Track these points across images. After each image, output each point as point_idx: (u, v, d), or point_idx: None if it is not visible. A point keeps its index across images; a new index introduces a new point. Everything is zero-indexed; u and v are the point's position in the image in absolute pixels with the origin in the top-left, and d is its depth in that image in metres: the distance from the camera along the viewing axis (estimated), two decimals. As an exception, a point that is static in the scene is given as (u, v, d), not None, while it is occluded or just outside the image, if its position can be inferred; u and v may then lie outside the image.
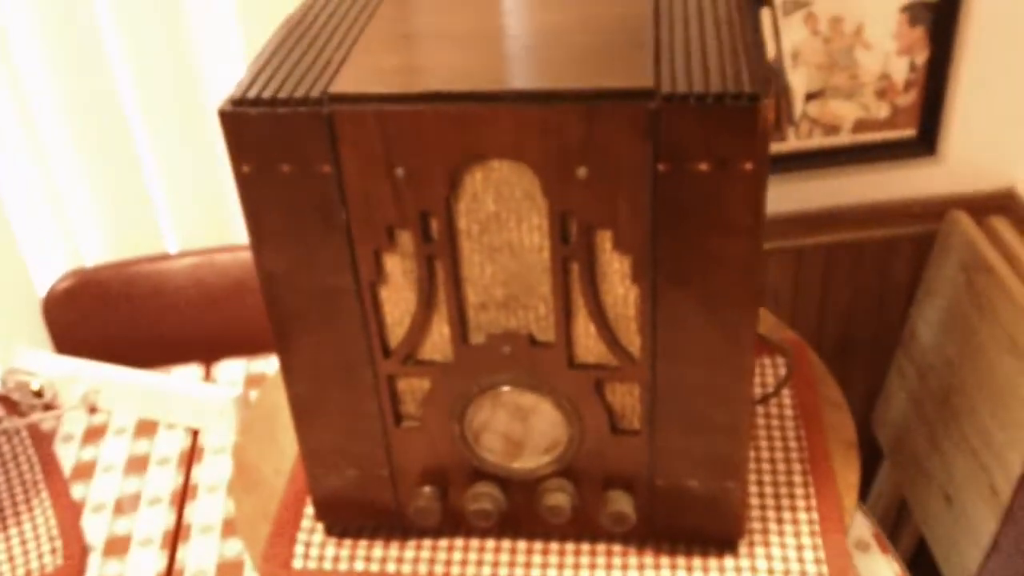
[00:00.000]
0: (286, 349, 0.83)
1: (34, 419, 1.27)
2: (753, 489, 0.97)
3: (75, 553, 1.08)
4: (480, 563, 0.92)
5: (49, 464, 1.20)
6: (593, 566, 0.91)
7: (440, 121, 0.70)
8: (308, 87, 0.72)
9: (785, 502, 0.96)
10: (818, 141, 1.36)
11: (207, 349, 1.39)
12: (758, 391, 1.09)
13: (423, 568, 0.92)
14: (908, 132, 1.37)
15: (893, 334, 1.53)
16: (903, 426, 1.50)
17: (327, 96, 0.71)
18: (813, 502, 0.96)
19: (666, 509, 0.88)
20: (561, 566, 0.91)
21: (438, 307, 0.80)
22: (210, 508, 1.15)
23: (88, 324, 1.43)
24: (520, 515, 0.90)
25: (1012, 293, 1.26)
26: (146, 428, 1.26)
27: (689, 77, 0.69)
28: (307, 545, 0.95)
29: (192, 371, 1.35)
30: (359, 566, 0.93)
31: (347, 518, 0.94)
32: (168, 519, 1.13)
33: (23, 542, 1.10)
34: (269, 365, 1.35)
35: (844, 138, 1.36)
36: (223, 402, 1.22)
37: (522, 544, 0.94)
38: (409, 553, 0.93)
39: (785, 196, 1.40)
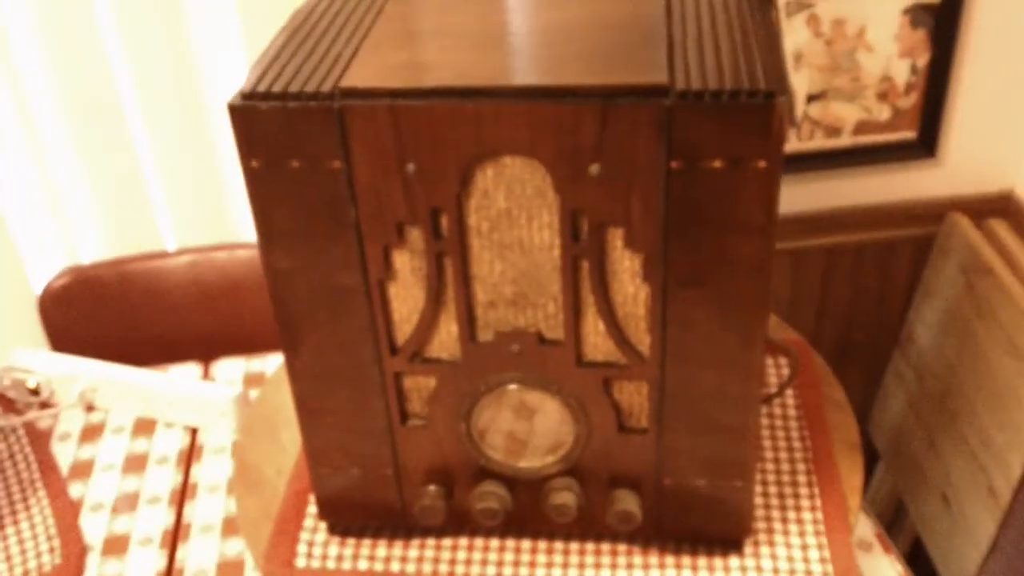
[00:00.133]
0: (292, 347, 0.83)
1: (31, 417, 1.26)
2: (757, 489, 0.97)
3: (74, 552, 1.07)
4: (485, 562, 0.92)
5: (46, 463, 1.19)
6: (598, 565, 0.91)
7: (453, 117, 0.70)
8: (319, 82, 0.72)
9: (790, 502, 0.96)
10: (819, 143, 1.36)
11: (205, 348, 1.38)
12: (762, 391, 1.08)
13: (427, 567, 0.92)
14: (909, 134, 1.37)
15: (891, 336, 1.53)
16: (900, 428, 1.50)
17: (338, 91, 0.71)
18: (817, 502, 0.96)
19: (673, 508, 0.88)
20: (566, 565, 0.91)
21: (446, 305, 0.80)
22: (210, 507, 1.14)
23: (85, 322, 1.42)
24: (526, 514, 0.90)
25: (1012, 296, 1.27)
26: (144, 427, 1.25)
27: (703, 74, 0.69)
28: (310, 544, 0.94)
29: (190, 370, 1.35)
30: (363, 565, 0.92)
31: (351, 517, 0.94)
32: (167, 518, 1.12)
33: (20, 541, 1.09)
34: (268, 364, 1.34)
35: (845, 140, 1.36)
36: (223, 401, 1.21)
37: (526, 543, 0.93)
38: (413, 552, 0.93)
39: (786, 198, 1.39)
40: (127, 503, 1.14)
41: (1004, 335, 1.27)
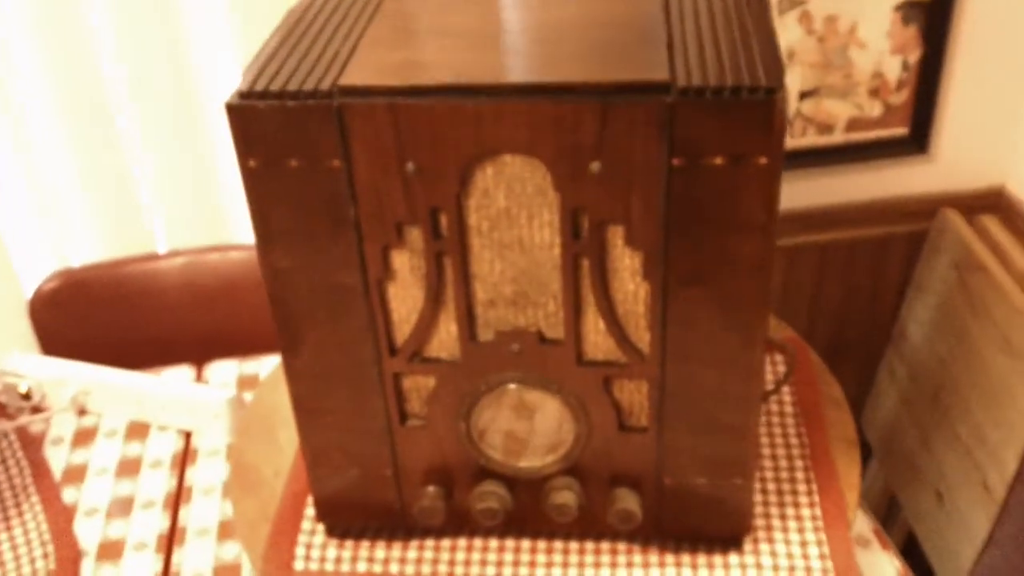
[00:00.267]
0: (291, 347, 0.82)
1: (23, 422, 1.25)
2: (756, 486, 0.97)
3: (68, 557, 1.07)
4: (484, 563, 0.92)
5: (39, 468, 1.18)
6: (598, 565, 0.91)
7: (453, 115, 0.69)
8: (317, 80, 0.71)
9: (788, 499, 0.96)
10: (812, 140, 1.36)
11: (198, 350, 1.38)
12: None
13: (426, 568, 0.91)
14: (900, 131, 1.37)
15: (884, 333, 1.54)
16: (893, 424, 1.51)
17: (337, 89, 0.70)
18: (816, 498, 0.96)
19: (673, 507, 0.87)
20: (566, 565, 0.91)
21: (446, 304, 0.79)
22: (205, 511, 1.13)
23: (76, 326, 1.41)
24: (526, 514, 0.90)
25: (1006, 292, 1.27)
26: (137, 430, 1.24)
27: (704, 71, 0.69)
28: (308, 546, 0.94)
29: (183, 372, 1.34)
30: (361, 567, 0.92)
31: (349, 518, 0.93)
32: (162, 522, 1.12)
33: (14, 547, 1.08)
34: (261, 366, 1.34)
35: (837, 137, 1.36)
36: (217, 403, 1.20)
37: (526, 543, 0.93)
38: (412, 553, 0.93)
39: (778, 195, 1.40)
40: (121, 508, 1.14)
41: (998, 331, 1.28)
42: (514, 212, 0.74)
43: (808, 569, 0.89)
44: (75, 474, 1.18)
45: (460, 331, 0.80)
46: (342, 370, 0.83)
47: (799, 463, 0.99)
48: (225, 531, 1.11)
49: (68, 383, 1.25)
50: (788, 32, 1.27)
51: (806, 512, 0.94)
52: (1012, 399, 1.24)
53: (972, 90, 1.34)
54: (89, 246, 1.44)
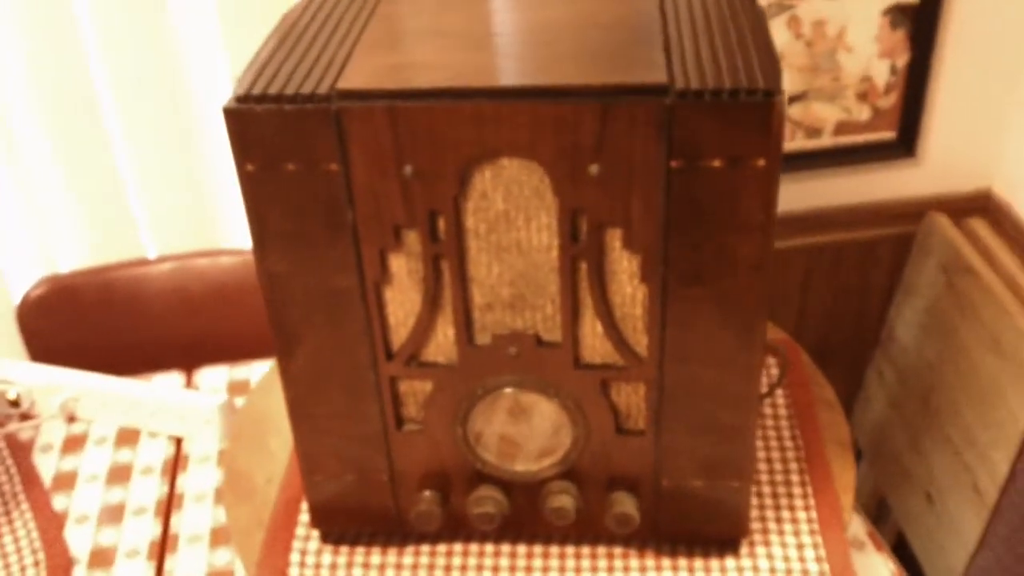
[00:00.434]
0: (286, 351, 0.82)
1: (11, 429, 1.24)
2: (752, 489, 0.97)
3: (59, 565, 1.06)
4: (480, 568, 0.91)
5: (29, 475, 1.17)
6: (594, 569, 0.91)
7: (451, 118, 0.69)
8: (315, 84, 0.71)
9: (783, 501, 0.96)
10: (800, 143, 1.37)
11: (187, 356, 1.37)
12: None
13: (422, 574, 0.91)
14: (888, 134, 1.38)
15: (872, 336, 1.54)
16: (882, 427, 1.51)
17: (335, 92, 0.70)
18: (811, 501, 0.96)
19: (671, 510, 0.87)
20: (562, 569, 0.91)
21: (443, 308, 0.79)
22: (197, 517, 1.12)
23: (64, 332, 1.40)
24: (522, 518, 0.89)
25: (994, 293, 1.28)
26: (127, 437, 1.23)
27: (702, 73, 0.69)
28: (303, 553, 0.93)
29: (172, 379, 1.33)
30: (357, 573, 0.92)
31: (344, 524, 0.93)
32: (154, 529, 1.11)
33: (4, 555, 1.07)
34: (252, 372, 1.33)
35: (826, 140, 1.37)
36: (209, 409, 1.20)
37: (522, 548, 0.93)
38: (407, 559, 0.92)
39: (768, 198, 1.40)
40: (112, 515, 1.13)
41: (987, 333, 1.29)
42: (512, 215, 0.74)
43: (805, 572, 0.89)
44: (65, 481, 1.17)
45: (457, 334, 0.80)
46: (338, 374, 0.83)
47: (793, 465, 1.00)
48: (217, 537, 1.10)
49: (57, 390, 1.24)
50: (777, 36, 1.27)
51: (801, 515, 0.95)
52: (1002, 400, 1.25)
53: (959, 94, 1.35)
54: (77, 252, 1.42)
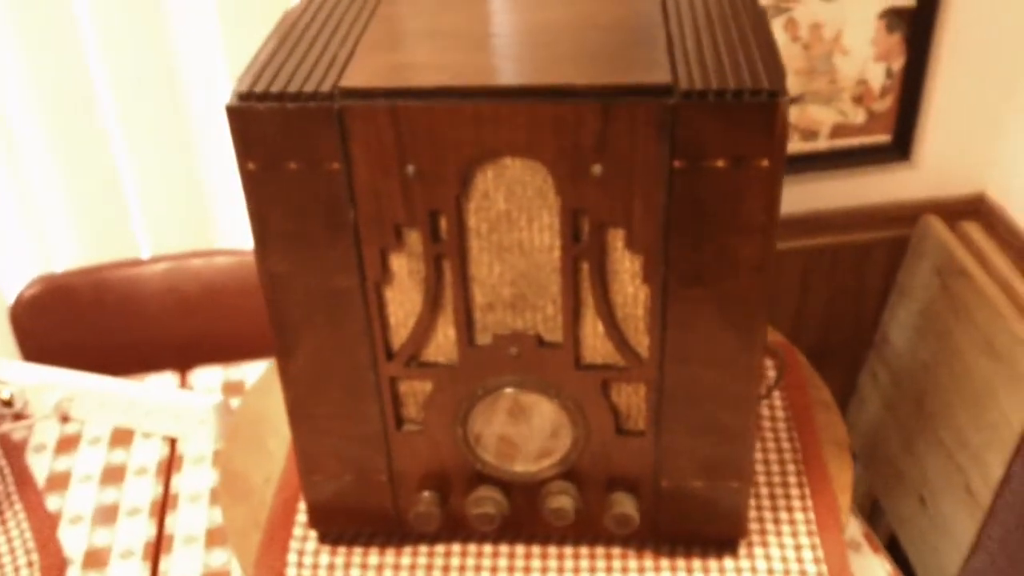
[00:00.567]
0: (286, 351, 0.82)
1: (4, 429, 1.23)
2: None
3: (53, 565, 1.05)
4: (479, 568, 0.91)
5: (22, 475, 1.17)
6: (593, 569, 0.90)
7: (453, 117, 0.69)
8: (317, 82, 0.71)
9: (781, 502, 0.96)
10: (797, 146, 1.37)
11: (181, 357, 1.36)
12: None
13: (421, 574, 0.91)
14: (883, 138, 1.38)
15: (867, 339, 1.55)
16: (876, 429, 1.52)
17: (338, 91, 0.70)
18: (809, 502, 0.96)
19: (670, 510, 0.87)
20: (561, 570, 0.91)
21: (444, 308, 0.79)
22: (193, 518, 1.12)
23: (57, 332, 1.40)
24: (521, 519, 0.89)
25: (988, 296, 1.28)
26: (121, 437, 1.23)
27: (705, 73, 0.69)
28: (300, 553, 0.93)
29: (166, 379, 1.32)
30: (355, 573, 0.91)
31: (343, 525, 0.93)
32: (149, 530, 1.10)
33: (-3, 556, 1.07)
34: (246, 372, 1.32)
35: (822, 143, 1.37)
36: (203, 410, 1.19)
37: (520, 548, 0.93)
38: (406, 560, 0.92)
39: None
40: (106, 515, 1.12)
41: (980, 335, 1.29)
42: (514, 215, 0.74)
43: (803, 572, 0.90)
44: (59, 481, 1.17)
45: (458, 335, 0.80)
46: (338, 375, 0.82)
47: (791, 467, 1.00)
48: (213, 538, 1.10)
49: (51, 389, 1.24)
50: (774, 39, 1.27)
51: (799, 515, 0.95)
52: (994, 402, 1.25)
53: (954, 98, 1.35)
54: (71, 251, 1.42)
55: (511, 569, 0.91)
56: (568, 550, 0.92)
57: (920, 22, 1.29)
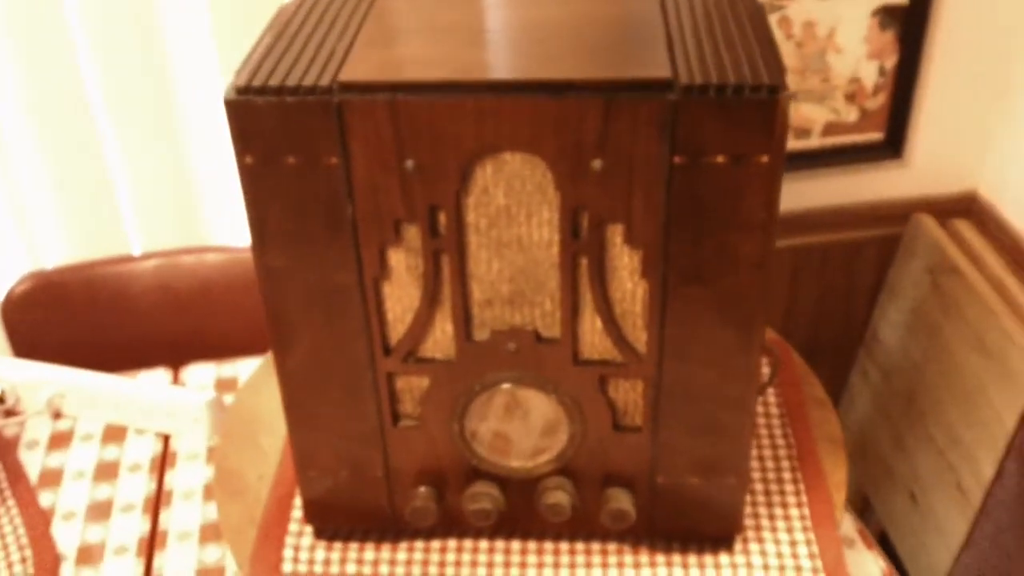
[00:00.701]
0: (283, 347, 0.82)
1: (-4, 425, 1.23)
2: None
3: (47, 561, 1.05)
4: (474, 564, 0.91)
5: (14, 472, 1.16)
6: (588, 565, 0.91)
7: (453, 112, 0.69)
8: (316, 76, 0.71)
9: (776, 499, 0.96)
10: (789, 144, 1.36)
11: (173, 353, 1.36)
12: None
13: (416, 570, 0.91)
14: (876, 136, 1.39)
15: (857, 336, 1.55)
16: (866, 426, 1.52)
17: (337, 84, 0.70)
18: (803, 498, 0.96)
19: (666, 506, 0.88)
20: (556, 565, 0.91)
21: (442, 303, 0.79)
22: (186, 514, 1.12)
23: (48, 328, 1.39)
24: (518, 514, 0.89)
25: (980, 293, 1.29)
26: (114, 434, 1.22)
27: (705, 69, 0.69)
28: (296, 548, 0.93)
29: (159, 376, 1.32)
30: (351, 569, 0.91)
31: (339, 520, 0.92)
32: (142, 526, 1.10)
33: (-10, 552, 1.06)
34: (239, 369, 1.32)
35: (814, 141, 1.38)
36: (197, 406, 1.19)
37: (516, 544, 0.93)
38: (401, 555, 0.92)
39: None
40: (100, 512, 1.12)
41: (971, 332, 1.30)
42: (513, 210, 0.74)
43: (798, 568, 0.90)
44: (51, 478, 1.16)
45: (456, 330, 0.80)
46: (335, 370, 0.82)
47: (786, 463, 1.00)
48: (207, 534, 1.09)
49: (43, 386, 1.23)
50: (768, 36, 1.28)
51: (794, 512, 0.95)
52: (985, 399, 1.26)
53: (947, 96, 1.36)
54: (62, 247, 1.41)
55: (507, 565, 0.91)
56: (564, 546, 0.92)
57: (913, 20, 1.29)
